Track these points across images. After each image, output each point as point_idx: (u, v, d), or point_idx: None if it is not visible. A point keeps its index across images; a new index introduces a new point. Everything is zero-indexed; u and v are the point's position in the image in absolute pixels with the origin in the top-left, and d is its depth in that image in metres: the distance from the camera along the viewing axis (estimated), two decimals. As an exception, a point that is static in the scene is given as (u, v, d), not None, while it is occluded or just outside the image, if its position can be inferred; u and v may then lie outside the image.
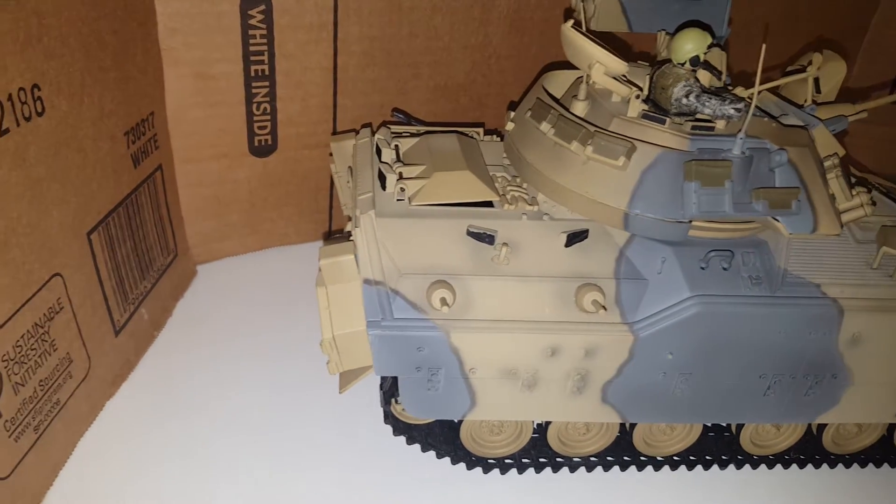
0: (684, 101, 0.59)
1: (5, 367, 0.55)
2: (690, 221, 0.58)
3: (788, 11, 1.04)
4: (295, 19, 0.79)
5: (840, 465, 0.74)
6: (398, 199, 0.63)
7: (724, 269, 0.60)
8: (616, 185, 0.58)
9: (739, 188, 0.58)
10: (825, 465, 0.74)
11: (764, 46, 0.54)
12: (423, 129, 0.78)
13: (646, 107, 0.61)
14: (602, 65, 0.58)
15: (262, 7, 0.77)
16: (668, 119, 0.59)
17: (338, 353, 0.59)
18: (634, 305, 0.60)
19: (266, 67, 0.80)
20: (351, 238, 0.61)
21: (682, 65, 0.60)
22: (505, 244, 0.59)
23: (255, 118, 0.83)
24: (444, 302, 0.57)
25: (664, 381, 0.62)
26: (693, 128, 0.60)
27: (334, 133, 0.89)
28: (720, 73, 0.63)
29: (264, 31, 0.78)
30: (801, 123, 0.65)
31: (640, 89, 0.61)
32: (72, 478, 0.63)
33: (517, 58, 0.95)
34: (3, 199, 0.53)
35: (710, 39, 0.59)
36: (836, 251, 0.63)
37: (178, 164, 0.81)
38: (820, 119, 0.65)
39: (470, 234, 0.60)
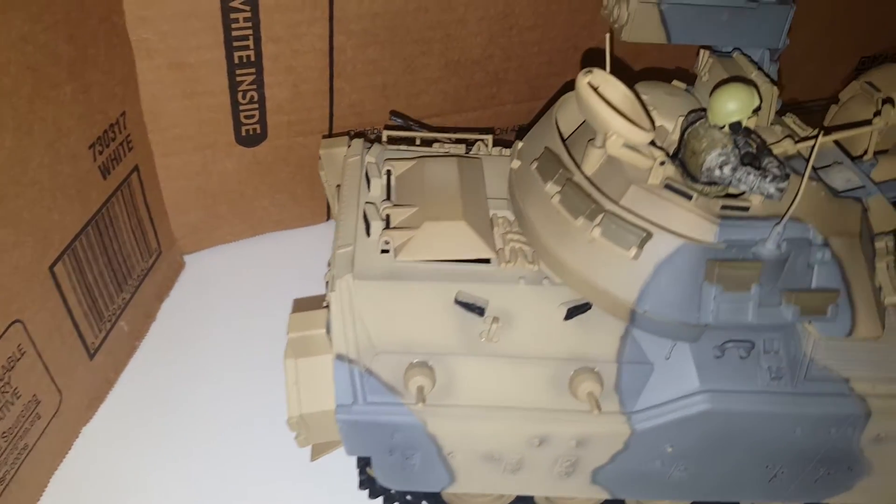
0: (717, 172, 0.50)
1: (-41, 435, 0.52)
2: (706, 326, 0.50)
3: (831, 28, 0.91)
4: (284, -1, 0.69)
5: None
6: (383, 251, 0.56)
7: (742, 357, 0.54)
8: (625, 276, 0.50)
9: (768, 288, 0.50)
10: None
11: (820, 135, 0.44)
12: (423, 133, 0.69)
13: (670, 174, 0.52)
14: (620, 137, 0.48)
15: (245, -13, 0.67)
16: (695, 194, 0.50)
17: (306, 430, 0.55)
18: (635, 393, 0.55)
19: (252, 53, 0.71)
20: (325, 304, 0.55)
21: (721, 128, 0.50)
22: (495, 319, 0.53)
23: (242, 107, 0.74)
24: (420, 392, 0.52)
25: (660, 468, 0.57)
26: (723, 207, 0.51)
27: (330, 117, 0.80)
28: (759, 138, 0.53)
29: (248, 14, 0.68)
30: (856, 185, 0.56)
31: (667, 154, 0.52)
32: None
33: (543, 27, 0.83)
34: (-58, 267, 0.48)
35: (757, 102, 0.49)
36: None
37: (159, 159, 0.74)
38: (877, 185, 0.55)
39: (458, 303, 0.54)
